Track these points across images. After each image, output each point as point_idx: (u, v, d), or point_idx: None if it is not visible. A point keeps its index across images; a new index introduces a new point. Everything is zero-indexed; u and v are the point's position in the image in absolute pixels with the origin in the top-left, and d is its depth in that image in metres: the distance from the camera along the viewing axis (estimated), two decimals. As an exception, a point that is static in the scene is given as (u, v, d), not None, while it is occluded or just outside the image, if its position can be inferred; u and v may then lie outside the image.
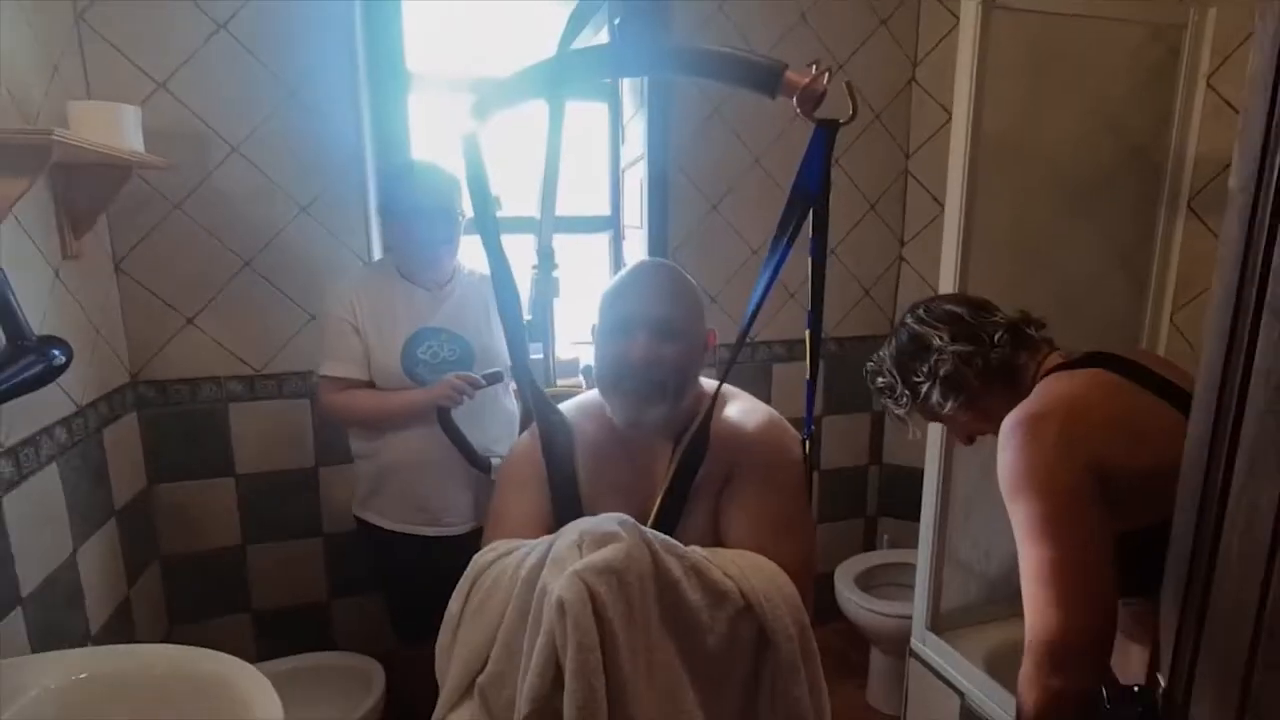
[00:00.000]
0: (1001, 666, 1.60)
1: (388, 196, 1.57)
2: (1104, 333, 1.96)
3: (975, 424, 1.14)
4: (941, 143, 2.28)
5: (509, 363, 1.64)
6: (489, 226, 1.00)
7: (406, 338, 1.54)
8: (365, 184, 1.85)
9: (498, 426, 1.64)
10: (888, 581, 2.29)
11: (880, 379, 1.16)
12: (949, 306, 1.12)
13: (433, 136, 1.99)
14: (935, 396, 1.08)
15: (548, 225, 1.46)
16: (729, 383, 1.07)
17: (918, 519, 2.56)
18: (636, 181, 2.07)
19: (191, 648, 1.06)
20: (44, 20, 1.42)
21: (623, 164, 2.14)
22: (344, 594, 2.01)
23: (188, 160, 1.69)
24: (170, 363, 1.78)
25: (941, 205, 2.31)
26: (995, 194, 1.83)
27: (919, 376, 1.09)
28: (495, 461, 1.58)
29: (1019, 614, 1.77)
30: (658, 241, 2.07)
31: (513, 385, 1.67)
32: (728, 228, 2.18)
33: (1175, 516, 0.67)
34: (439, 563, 1.61)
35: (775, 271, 0.93)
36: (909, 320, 1.13)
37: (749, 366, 2.27)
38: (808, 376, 1.01)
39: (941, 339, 1.08)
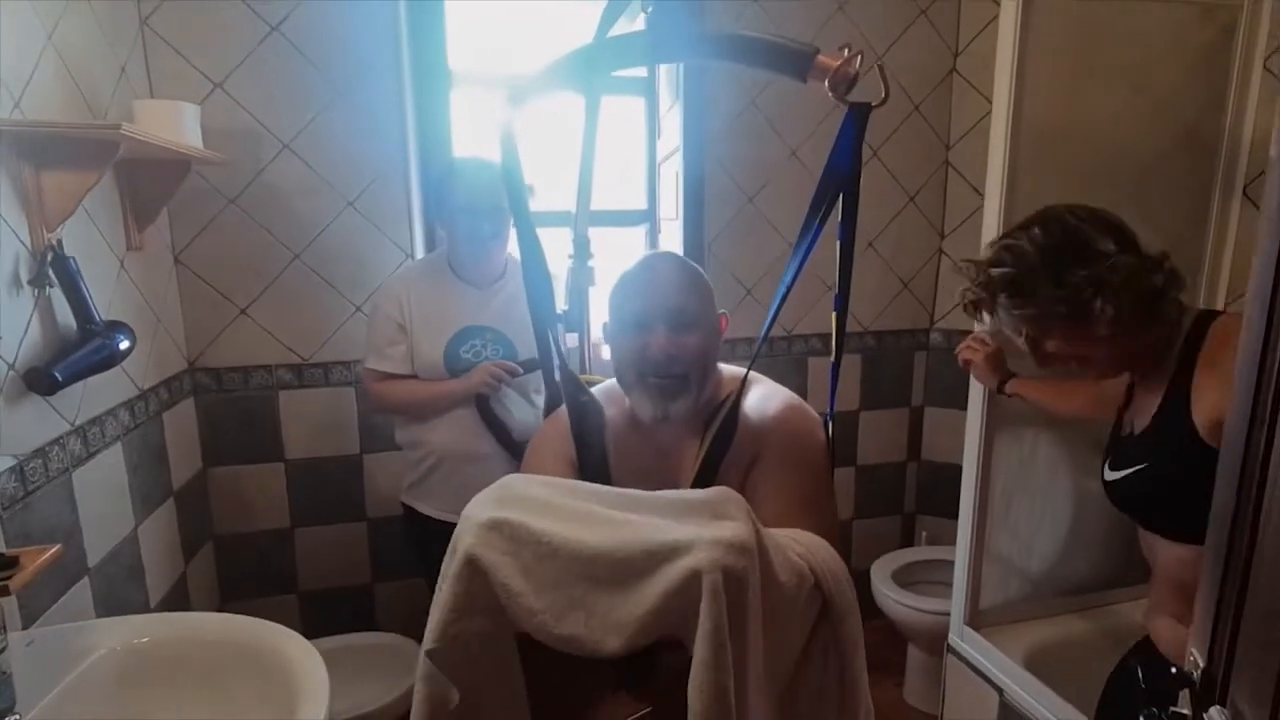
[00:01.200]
0: (1041, 663, 1.57)
1: (437, 194, 1.61)
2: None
3: (1110, 357, 1.01)
4: (983, 133, 2.22)
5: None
6: (522, 211, 1.03)
7: (451, 336, 1.58)
8: (409, 179, 1.90)
9: (538, 416, 1.67)
10: (926, 579, 2.25)
11: (1006, 269, 0.98)
12: (1104, 214, 0.99)
13: (474, 133, 2.04)
14: (1100, 305, 0.93)
15: (583, 216, 1.48)
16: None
17: (956, 516, 2.55)
18: (672, 174, 2.09)
19: (246, 617, 1.12)
20: (112, 23, 1.51)
21: (659, 158, 2.16)
22: (387, 578, 2.07)
23: (242, 157, 1.76)
24: (224, 351, 1.86)
25: (983, 196, 2.27)
26: (1037, 182, 1.80)
27: (1076, 279, 0.94)
28: (535, 448, 1.61)
29: (1060, 611, 1.76)
30: (693, 234, 2.08)
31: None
32: (764, 221, 2.18)
33: (1215, 494, 0.66)
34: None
35: (805, 255, 0.94)
36: (1066, 217, 0.98)
37: (785, 359, 2.27)
38: (832, 359, 1.01)
39: (1108, 246, 0.94)
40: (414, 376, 1.61)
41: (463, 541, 0.81)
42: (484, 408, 1.58)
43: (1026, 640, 1.64)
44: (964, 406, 2.48)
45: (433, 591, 1.76)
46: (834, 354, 1.00)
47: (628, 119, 2.19)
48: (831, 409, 1.04)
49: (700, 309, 1.01)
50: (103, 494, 1.38)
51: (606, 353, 1.86)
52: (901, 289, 2.37)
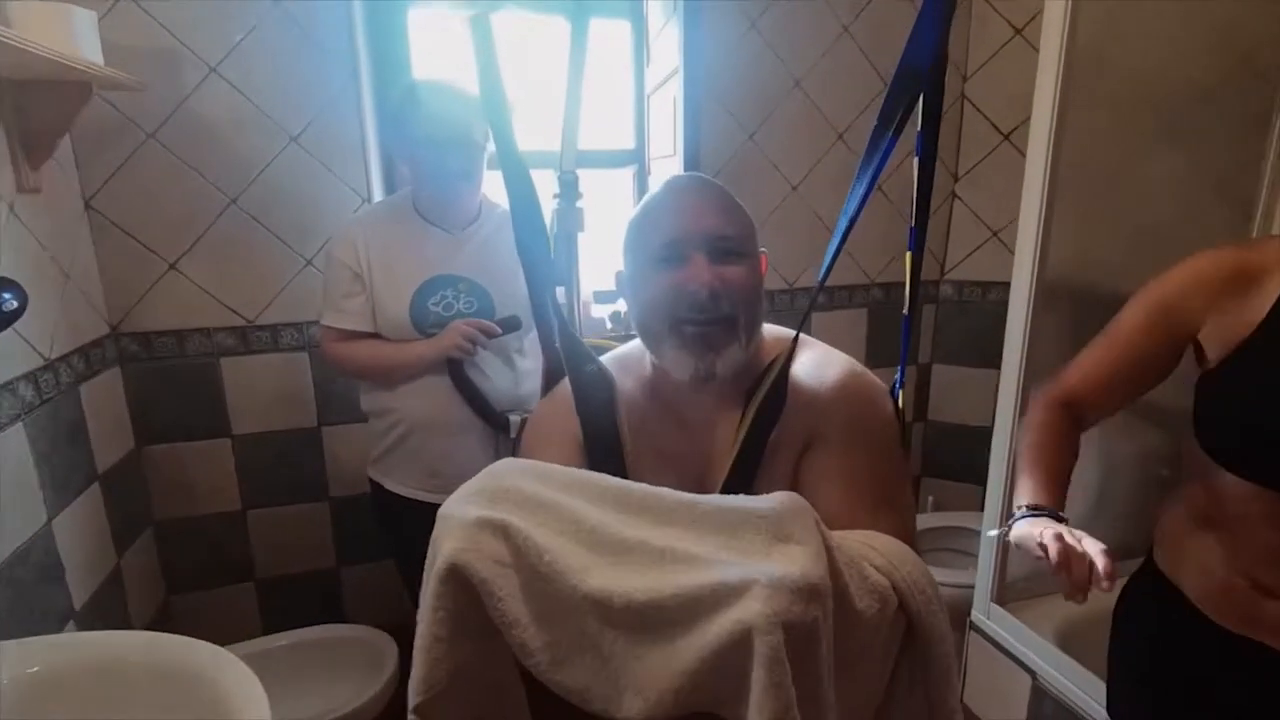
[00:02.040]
0: (1076, 642, 1.45)
1: (396, 124, 1.37)
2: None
3: None
4: (1003, 63, 2.04)
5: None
6: (504, 130, 0.81)
7: (417, 286, 1.36)
8: (362, 110, 1.64)
9: (518, 381, 1.47)
10: (934, 546, 2.13)
11: None
12: None
13: (438, 56, 1.78)
14: None
15: (570, 150, 1.25)
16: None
17: (967, 480, 2.42)
18: (664, 107, 1.85)
19: (169, 636, 0.92)
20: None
21: (648, 89, 1.92)
22: (353, 561, 1.88)
23: (160, 81, 1.49)
24: (154, 313, 1.61)
25: (1002, 134, 2.08)
26: (1071, 116, 1.61)
27: None
28: (514, 419, 1.42)
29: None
30: (694, 171, 1.85)
31: (531, 334, 1.49)
32: (765, 160, 1.96)
33: None
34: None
35: (874, 177, 0.74)
36: None
37: (788, 314, 2.08)
38: (905, 310, 0.82)
39: None
40: (377, 335, 1.39)
41: (444, 546, 0.63)
42: (457, 374, 1.37)
43: (1058, 616, 1.52)
44: (974, 364, 2.34)
45: (403, 574, 1.58)
46: (907, 303, 0.81)
47: (611, 50, 1.94)
48: (902, 374, 0.86)
49: (744, 234, 0.80)
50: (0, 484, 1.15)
51: (597, 310, 1.67)
52: (911, 237, 2.18)
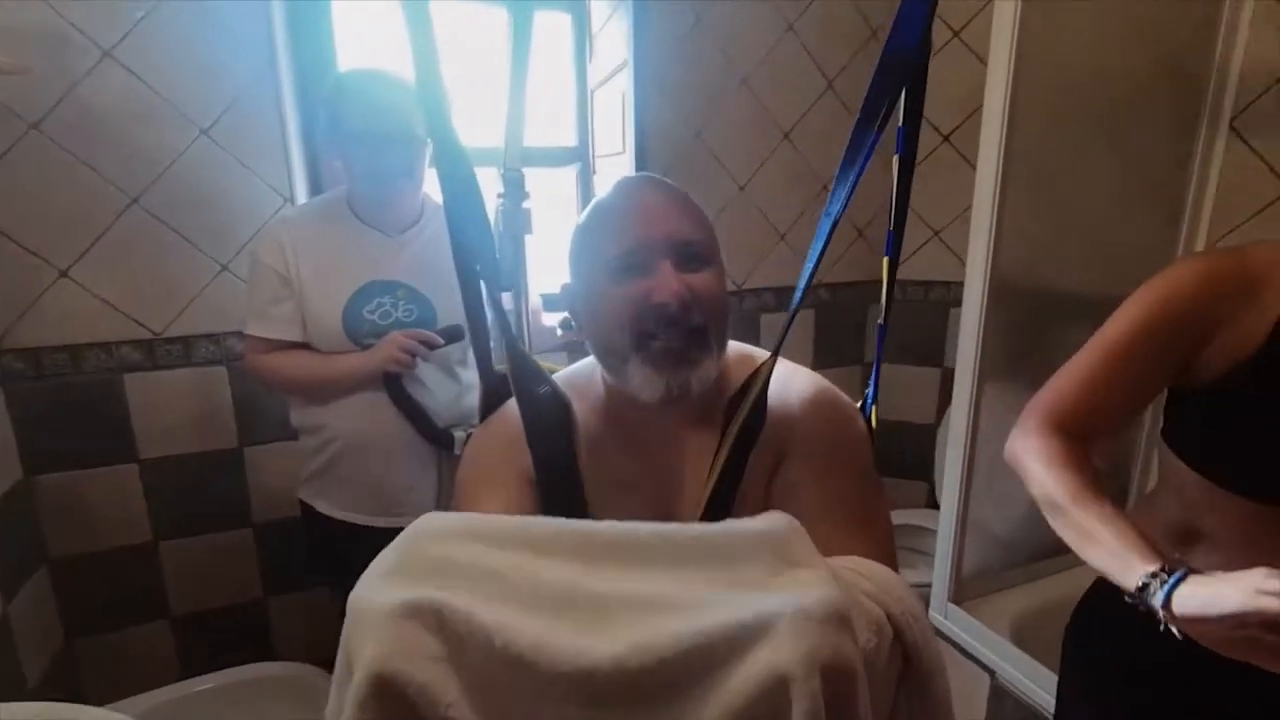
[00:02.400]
0: (1029, 636, 1.46)
1: (326, 118, 1.25)
2: (1130, 268, 1.82)
3: None
4: (942, 64, 2.05)
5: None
6: (441, 118, 0.72)
7: (351, 293, 1.25)
8: (281, 100, 1.51)
9: (462, 394, 1.37)
10: (885, 544, 2.13)
11: None
12: None
13: (365, 42, 1.65)
14: None
15: (515, 146, 1.17)
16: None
17: (913, 477, 2.45)
18: (609, 103, 1.78)
19: (53, 706, 0.79)
20: None
21: (591, 84, 1.85)
22: (282, 591, 1.73)
23: (45, 66, 1.32)
24: (43, 326, 1.43)
25: (943, 135, 2.10)
26: (1019, 118, 1.62)
27: None
28: (459, 435, 1.32)
29: (1039, 576, 1.67)
30: (643, 169, 1.79)
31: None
32: (712, 159, 1.92)
33: None
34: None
35: (858, 176, 0.69)
36: None
37: (737, 317, 2.04)
38: (880, 320, 0.78)
39: None
40: (307, 346, 1.27)
41: (363, 651, 0.50)
42: (395, 388, 1.27)
43: (1010, 612, 1.53)
44: (916, 362, 2.37)
45: (339, 603, 1.46)
46: (883, 312, 0.77)
47: (549, 38, 1.86)
48: (875, 387, 0.81)
49: (708, 239, 0.74)
50: None
51: (548, 319, 1.58)
52: (857, 237, 2.18)
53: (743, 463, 0.74)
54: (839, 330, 2.24)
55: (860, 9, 1.99)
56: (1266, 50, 1.47)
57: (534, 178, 1.84)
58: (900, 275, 2.34)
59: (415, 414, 1.28)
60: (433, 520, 0.60)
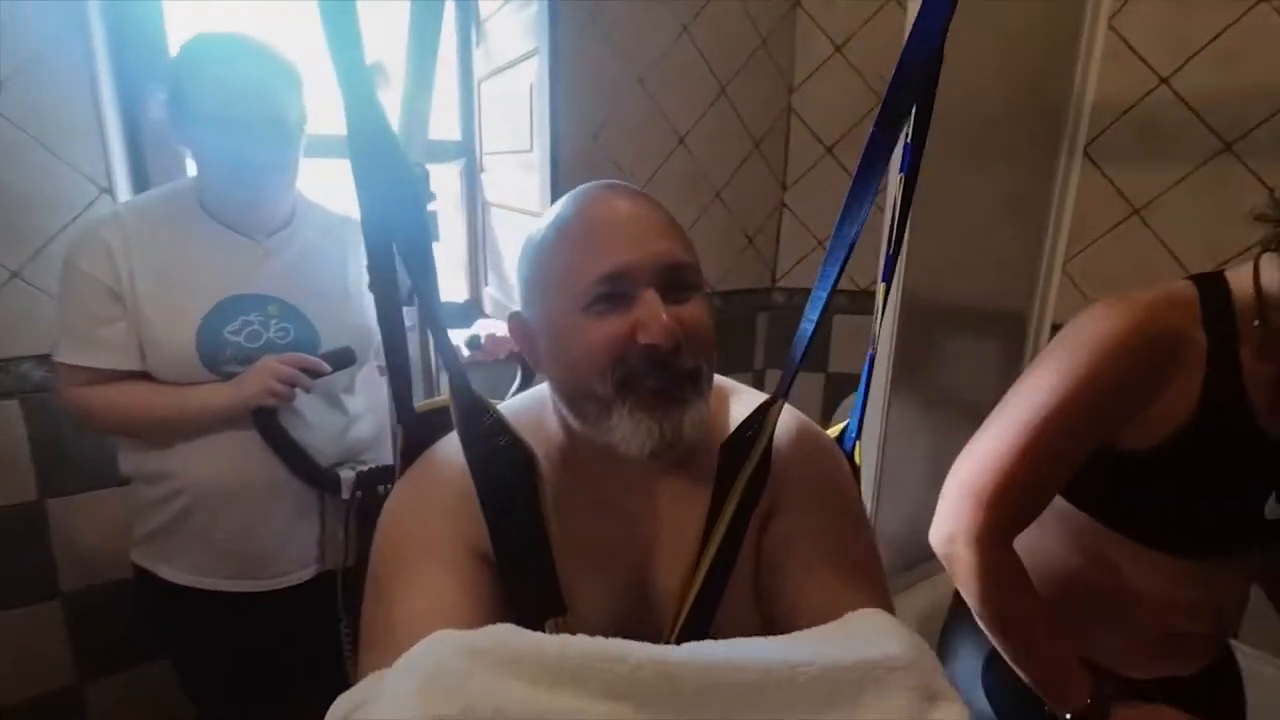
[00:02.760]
0: (927, 635, 1.51)
1: (174, 94, 1.00)
2: (998, 283, 1.97)
3: None
4: (827, 77, 2.10)
5: (375, 339, 1.18)
6: (362, 94, 0.56)
7: (208, 310, 1.02)
8: (94, 68, 1.21)
9: (349, 425, 1.17)
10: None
11: None
12: None
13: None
14: None
15: (420, 139, 1.02)
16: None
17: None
18: (502, 96, 1.62)
19: None
20: None
21: (479, 75, 1.68)
22: (104, 673, 1.41)
23: None
24: None
25: (826, 147, 2.16)
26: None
27: None
28: (346, 475, 1.13)
29: (934, 573, 1.74)
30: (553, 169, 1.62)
31: (365, 367, 1.20)
32: (609, 161, 1.82)
33: None
34: (266, 628, 1.13)
35: (875, 191, 0.63)
36: None
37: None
38: (870, 350, 0.73)
39: None
40: (145, 375, 1.02)
41: None
42: (268, 424, 1.05)
43: (913, 609, 1.58)
44: (805, 369, 2.43)
45: (185, 681, 1.19)
46: (873, 342, 0.71)
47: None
48: (860, 422, 0.76)
49: (695, 262, 0.64)
50: None
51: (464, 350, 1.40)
52: (747, 244, 2.18)
53: (745, 523, 0.65)
54: (728, 339, 2.24)
55: (750, 15, 1.98)
56: (1115, 84, 1.62)
57: None
58: (786, 283, 2.38)
59: (293, 454, 1.07)
60: (446, 642, 0.45)
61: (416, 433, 0.73)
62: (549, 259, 0.63)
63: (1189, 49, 1.51)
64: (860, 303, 2.23)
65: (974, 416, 0.91)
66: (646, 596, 0.69)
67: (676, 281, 0.61)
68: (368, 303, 1.16)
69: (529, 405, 0.73)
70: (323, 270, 1.11)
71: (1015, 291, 1.85)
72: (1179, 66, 1.52)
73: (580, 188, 0.67)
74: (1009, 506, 0.78)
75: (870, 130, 0.61)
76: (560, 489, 0.65)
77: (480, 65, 1.67)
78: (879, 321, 0.71)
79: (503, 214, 1.64)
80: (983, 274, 1.72)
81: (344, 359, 1.08)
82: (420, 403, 0.76)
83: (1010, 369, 1.82)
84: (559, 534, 0.63)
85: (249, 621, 1.12)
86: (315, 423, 1.11)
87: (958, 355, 1.77)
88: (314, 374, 1.04)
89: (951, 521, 0.80)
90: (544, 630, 0.62)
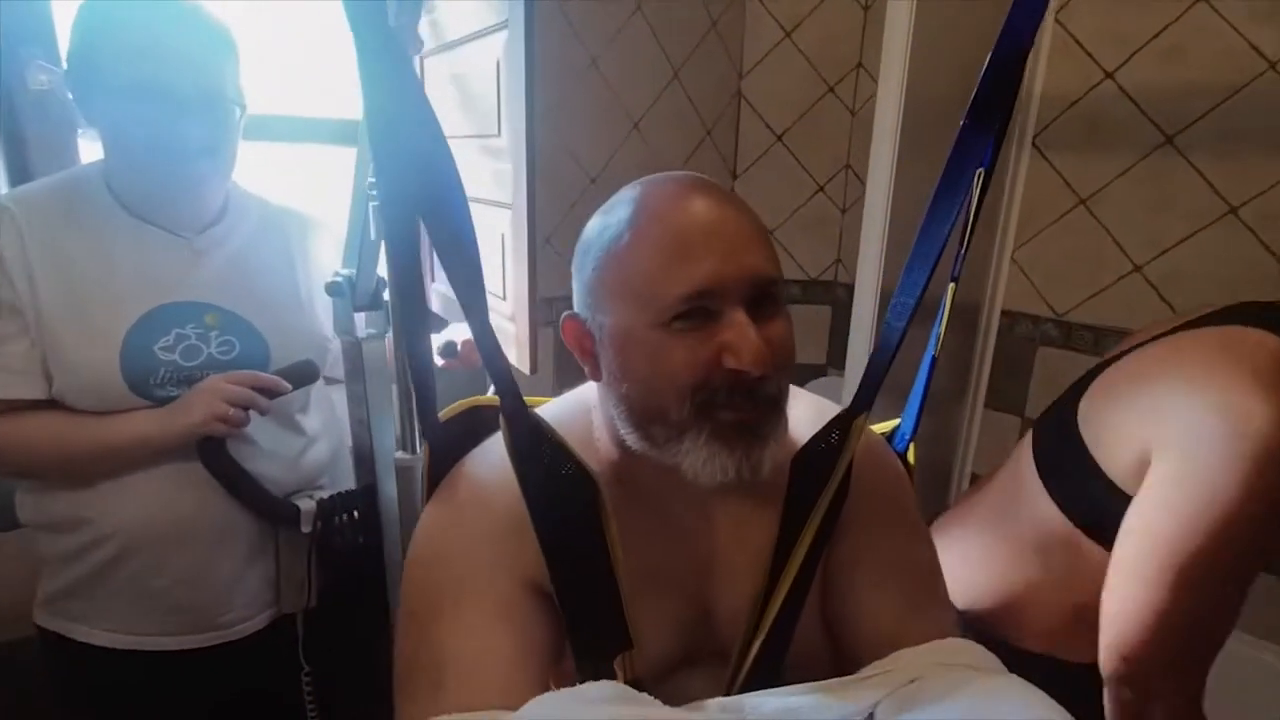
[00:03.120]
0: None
1: (78, 62, 0.82)
2: (938, 272, 2.00)
3: None
4: (775, 64, 2.07)
5: (333, 349, 1.05)
6: (381, 47, 0.48)
7: (133, 323, 0.86)
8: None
9: (305, 450, 1.03)
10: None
11: None
12: None
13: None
14: None
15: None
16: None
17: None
18: (490, 63, 1.45)
19: None
20: None
21: (425, 47, 1.52)
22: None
23: None
24: None
25: (776, 135, 2.13)
26: (830, 131, 1.62)
27: None
28: (306, 507, 0.99)
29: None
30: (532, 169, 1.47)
31: (320, 385, 1.05)
32: (563, 147, 1.71)
33: None
34: (212, 689, 0.99)
35: (964, 189, 0.58)
36: None
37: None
38: (933, 350, 0.68)
39: None
40: (53, 404, 0.85)
41: None
42: (215, 455, 0.90)
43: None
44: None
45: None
46: (937, 342, 0.67)
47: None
48: (915, 425, 0.71)
49: (783, 276, 0.58)
50: None
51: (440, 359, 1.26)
52: (700, 235, 2.12)
53: (825, 543, 0.60)
54: None
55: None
56: (1062, 78, 1.67)
57: (309, 155, 1.48)
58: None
59: (247, 488, 0.93)
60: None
61: (446, 448, 0.65)
62: (624, 263, 0.56)
63: (1132, 44, 1.56)
64: (811, 293, 2.23)
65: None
66: (711, 621, 0.64)
67: (766, 298, 0.55)
68: (323, 308, 1.02)
69: (575, 416, 0.66)
70: (267, 271, 0.97)
71: (966, 279, 1.89)
72: (1123, 61, 1.58)
73: (653, 179, 0.59)
74: (1205, 664, 0.68)
75: (961, 123, 0.57)
76: (621, 514, 0.58)
77: (426, 39, 1.51)
78: (943, 323, 0.66)
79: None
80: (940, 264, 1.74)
81: (305, 374, 0.94)
82: (441, 411, 0.68)
83: (961, 355, 1.87)
84: (623, 564, 0.57)
85: (191, 683, 0.97)
86: (270, 449, 0.97)
87: (911, 340, 1.80)
88: (271, 394, 0.90)
89: (1145, 698, 0.69)
90: (612, 668, 0.57)
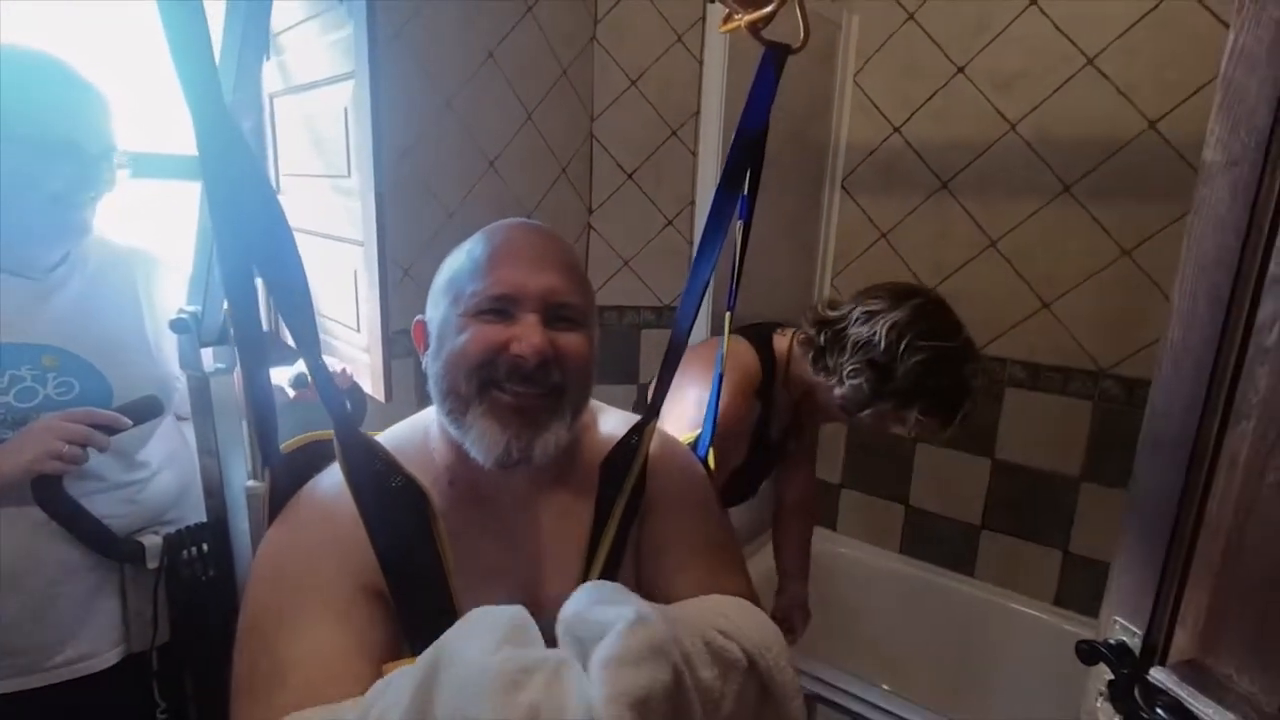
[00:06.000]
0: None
1: None
2: (780, 296, 2.24)
3: None
4: (624, 108, 2.24)
5: (179, 388, 1.05)
6: (208, 103, 0.56)
7: None
8: None
9: (146, 485, 1.03)
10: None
11: None
12: None
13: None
14: None
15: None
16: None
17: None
18: (309, 114, 1.51)
19: None
20: None
21: (269, 89, 1.55)
22: None
23: None
24: None
25: (626, 173, 2.30)
26: (675, 170, 1.86)
27: None
28: (151, 543, 1.00)
29: (757, 550, 1.94)
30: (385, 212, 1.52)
31: (165, 420, 1.06)
32: (421, 184, 1.78)
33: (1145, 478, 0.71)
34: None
35: (723, 241, 0.72)
36: None
37: (616, 332, 1.98)
38: (717, 372, 0.83)
39: None
40: None
41: None
42: (50, 495, 0.90)
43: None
44: (616, 380, 2.55)
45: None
46: (722, 362, 0.81)
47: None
48: (710, 432, 0.85)
49: (586, 305, 0.72)
50: None
51: (275, 375, 1.27)
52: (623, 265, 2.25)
53: (629, 527, 0.72)
54: (617, 350, 2.31)
55: (551, 45, 2.05)
56: (862, 130, 1.95)
57: (155, 191, 1.47)
58: (598, 301, 2.50)
59: (86, 527, 0.93)
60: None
61: (284, 476, 0.72)
62: (456, 272, 0.70)
63: (912, 105, 1.86)
64: (665, 318, 2.41)
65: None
66: (539, 608, 0.73)
67: (560, 314, 0.68)
68: (170, 345, 1.04)
69: (412, 434, 0.75)
70: (111, 310, 0.98)
71: (794, 304, 2.14)
72: (906, 119, 1.88)
73: (501, 221, 0.73)
74: None
75: (715, 188, 0.72)
76: (452, 516, 0.68)
77: (274, 80, 1.55)
78: (724, 344, 0.81)
79: (309, 240, 1.52)
80: (770, 288, 1.96)
81: (148, 410, 0.96)
82: (284, 443, 0.74)
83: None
84: (454, 563, 0.66)
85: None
86: (108, 486, 0.97)
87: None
88: (110, 430, 0.91)
89: None
90: None
